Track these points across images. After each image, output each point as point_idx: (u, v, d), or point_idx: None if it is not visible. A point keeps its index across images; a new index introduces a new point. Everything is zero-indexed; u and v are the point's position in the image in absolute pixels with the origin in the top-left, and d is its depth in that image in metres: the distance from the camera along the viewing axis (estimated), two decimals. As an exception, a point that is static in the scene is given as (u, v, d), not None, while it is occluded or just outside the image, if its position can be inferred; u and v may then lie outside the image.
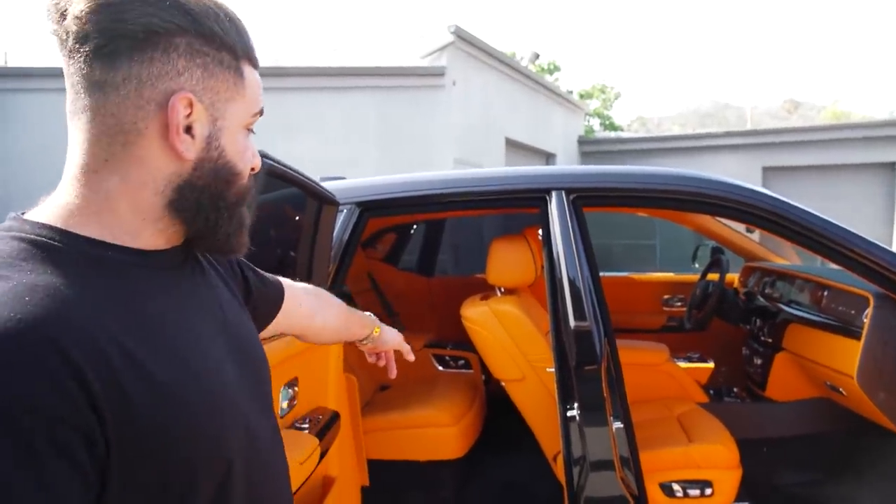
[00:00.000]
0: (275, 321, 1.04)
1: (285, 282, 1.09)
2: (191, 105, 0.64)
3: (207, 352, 0.69)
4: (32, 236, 0.60)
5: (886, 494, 2.32)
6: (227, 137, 0.68)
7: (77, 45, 0.60)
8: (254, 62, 0.72)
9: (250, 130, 0.73)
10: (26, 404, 0.50)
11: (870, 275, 1.79)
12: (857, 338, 1.97)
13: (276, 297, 1.04)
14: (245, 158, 0.72)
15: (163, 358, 0.61)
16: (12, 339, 0.51)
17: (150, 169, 0.64)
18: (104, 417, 0.54)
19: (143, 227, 0.66)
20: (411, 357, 1.36)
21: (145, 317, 0.63)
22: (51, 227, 0.61)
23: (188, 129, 0.65)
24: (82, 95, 0.62)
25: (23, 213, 0.63)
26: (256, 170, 0.75)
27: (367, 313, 1.31)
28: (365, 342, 1.29)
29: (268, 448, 0.77)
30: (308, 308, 1.14)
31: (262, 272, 1.02)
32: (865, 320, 1.95)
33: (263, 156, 1.36)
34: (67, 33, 0.60)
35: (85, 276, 0.59)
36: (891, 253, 1.76)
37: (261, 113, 0.73)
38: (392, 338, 1.32)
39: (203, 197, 0.68)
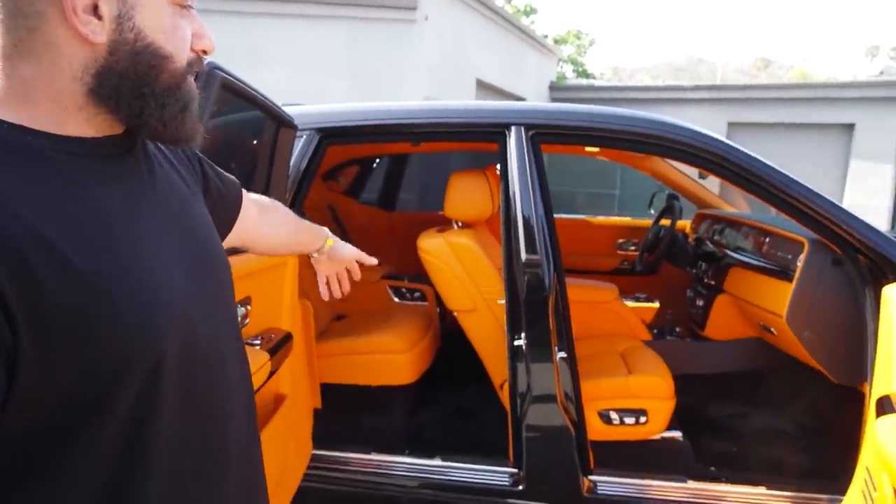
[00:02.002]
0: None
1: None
2: None
3: (144, 243, 0.67)
4: None
5: (805, 425, 2.50)
6: (146, 16, 0.64)
7: None
8: None
9: (184, 7, 0.68)
10: None
11: (806, 220, 1.87)
12: (791, 281, 2.08)
13: (235, 199, 1.01)
14: (175, 39, 0.67)
15: (86, 247, 0.59)
16: None
17: (62, 54, 0.62)
18: (9, 305, 0.52)
19: (67, 116, 0.64)
20: (372, 262, 1.36)
21: (70, 205, 0.60)
22: None
23: (95, 10, 0.61)
24: None
25: None
26: (209, 52, 0.72)
27: (321, 227, 1.30)
28: (317, 255, 1.27)
29: (219, 347, 0.76)
30: (256, 214, 1.10)
31: (220, 170, 0.99)
32: (799, 264, 2.05)
33: (217, 68, 1.35)
34: None
35: (9, 161, 0.58)
36: (828, 201, 1.84)
37: None
38: (349, 252, 1.31)
39: (123, 83, 0.64)
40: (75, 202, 0.61)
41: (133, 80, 0.65)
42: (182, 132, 0.70)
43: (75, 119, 0.65)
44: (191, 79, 0.71)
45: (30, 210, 0.56)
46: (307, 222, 1.27)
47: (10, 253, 0.53)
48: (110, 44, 0.63)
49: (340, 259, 1.31)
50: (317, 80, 7.53)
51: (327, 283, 1.33)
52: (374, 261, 1.34)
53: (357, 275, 1.36)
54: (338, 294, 1.33)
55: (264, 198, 1.17)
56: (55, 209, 0.59)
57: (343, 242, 1.33)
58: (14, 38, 0.61)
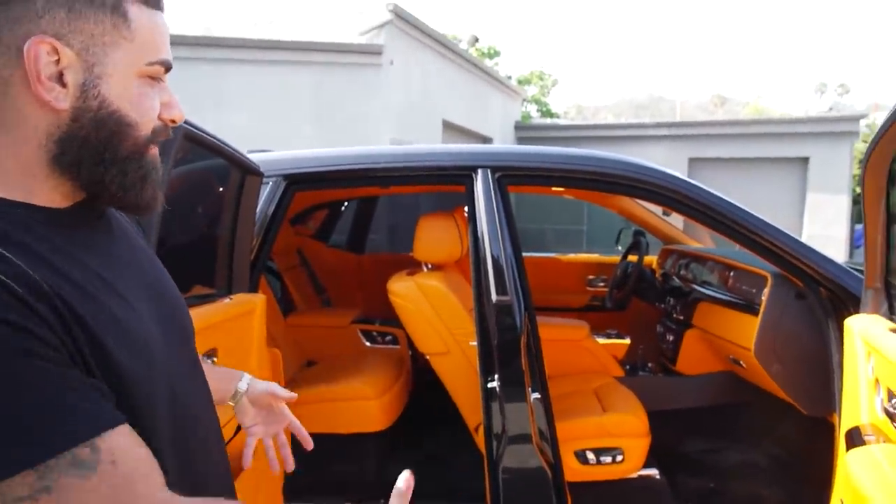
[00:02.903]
0: None
1: None
2: (55, 51, 0.60)
3: (126, 303, 0.67)
4: None
5: (778, 458, 2.51)
6: (112, 85, 0.64)
7: None
8: (150, 2, 0.67)
9: (156, 80, 0.69)
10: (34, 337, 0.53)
11: (768, 255, 1.91)
12: (757, 314, 2.12)
13: None
14: (142, 108, 0.67)
15: (96, 311, 0.61)
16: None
17: (27, 121, 0.62)
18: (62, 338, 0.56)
19: (35, 184, 0.64)
20: (290, 396, 1.07)
21: (71, 273, 0.61)
22: None
23: (60, 77, 0.61)
24: None
25: None
26: (178, 122, 0.72)
27: (236, 371, 1.08)
28: (235, 403, 1.05)
29: (198, 404, 0.77)
30: None
31: None
32: (764, 298, 2.09)
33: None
34: None
35: (4, 233, 0.58)
36: (788, 236, 1.89)
37: (163, 63, 0.68)
38: (263, 386, 1.06)
39: (84, 149, 0.64)
40: (68, 268, 0.62)
41: (94, 147, 0.65)
42: (142, 200, 0.70)
43: (43, 188, 0.65)
44: (154, 148, 0.71)
45: (42, 273, 0.57)
46: (219, 369, 1.10)
47: (52, 310, 0.56)
48: (73, 111, 0.63)
49: (261, 394, 1.06)
50: (283, 124, 7.56)
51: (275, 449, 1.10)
52: (293, 395, 1.08)
53: (288, 396, 1.08)
54: (290, 466, 1.11)
55: None
56: (64, 280, 0.59)
57: (255, 379, 1.08)
58: None
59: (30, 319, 0.53)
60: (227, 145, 1.65)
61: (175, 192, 1.50)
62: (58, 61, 0.61)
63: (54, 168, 0.64)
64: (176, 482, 0.68)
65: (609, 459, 2.18)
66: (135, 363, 0.63)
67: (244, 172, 1.84)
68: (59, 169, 0.64)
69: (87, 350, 0.58)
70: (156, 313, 0.72)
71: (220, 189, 1.88)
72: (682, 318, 2.89)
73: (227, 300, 1.75)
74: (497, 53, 19.58)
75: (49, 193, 0.65)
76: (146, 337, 0.68)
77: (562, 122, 16.50)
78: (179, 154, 1.38)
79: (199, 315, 1.49)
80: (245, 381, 1.06)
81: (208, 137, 1.51)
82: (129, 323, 0.65)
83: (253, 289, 1.98)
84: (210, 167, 1.83)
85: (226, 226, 1.87)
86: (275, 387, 1.08)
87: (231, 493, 0.85)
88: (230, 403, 1.05)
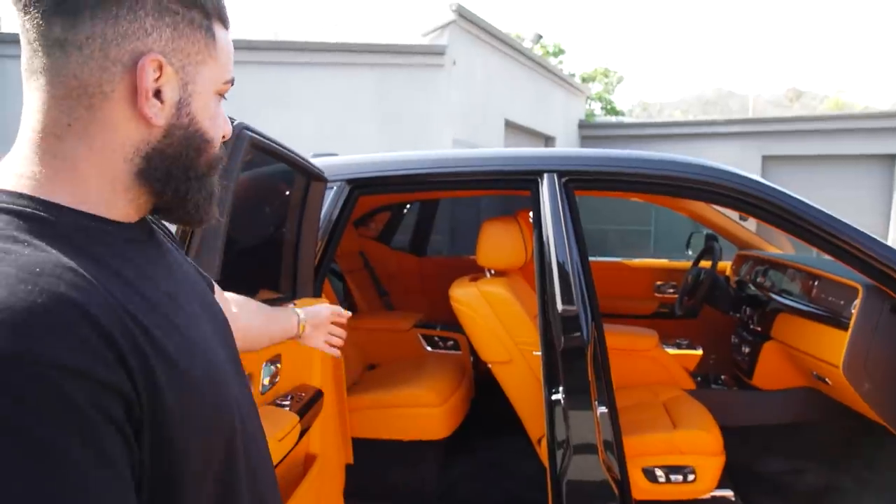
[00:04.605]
0: None
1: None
2: (160, 68, 0.61)
3: (199, 327, 0.67)
4: (13, 206, 0.56)
5: (867, 483, 2.34)
6: (199, 103, 0.66)
7: (33, 0, 0.57)
8: (225, 22, 0.68)
9: (222, 97, 0.70)
10: (68, 369, 0.47)
11: (860, 266, 1.77)
12: (845, 328, 1.97)
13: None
14: (217, 125, 0.69)
15: (168, 332, 0.59)
16: (39, 309, 0.48)
17: (117, 135, 0.61)
18: (137, 387, 0.52)
19: (115, 197, 0.63)
20: (345, 315, 1.42)
21: (139, 287, 0.60)
22: (30, 198, 0.57)
23: (157, 94, 0.62)
24: (40, 55, 0.59)
25: None
26: (227, 137, 0.73)
27: (287, 307, 1.32)
28: (301, 334, 1.30)
29: (252, 420, 0.76)
30: (232, 309, 1.08)
31: None
32: (854, 311, 1.94)
33: (246, 128, 1.34)
34: None
35: (80, 247, 0.57)
36: (881, 244, 1.75)
37: (232, 82, 0.70)
38: (326, 311, 1.37)
39: (174, 166, 0.65)
40: (146, 286, 0.61)
41: (183, 164, 0.66)
42: (208, 214, 0.71)
43: (122, 200, 0.64)
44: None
45: (118, 293, 0.55)
46: (277, 308, 1.29)
47: (125, 331, 0.53)
48: (167, 127, 0.63)
49: (322, 322, 1.36)
50: (346, 126, 7.66)
51: (332, 345, 1.40)
52: (347, 313, 1.44)
53: (343, 323, 1.43)
54: (341, 344, 1.41)
55: (235, 294, 1.16)
56: (134, 293, 0.58)
57: (316, 306, 1.39)
58: (69, 118, 0.60)
59: (114, 372, 0.50)
60: (291, 152, 1.65)
61: (242, 197, 1.51)
62: (158, 78, 0.61)
63: (136, 182, 0.64)
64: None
65: (680, 478, 2.08)
66: (204, 374, 0.61)
67: (309, 178, 1.84)
68: (141, 183, 0.64)
69: (160, 374, 0.55)
70: (213, 327, 0.71)
71: (286, 193, 1.89)
72: (759, 329, 2.74)
73: (291, 306, 1.76)
74: (562, 51, 19.33)
75: (126, 207, 0.64)
76: (211, 349, 0.66)
77: (627, 120, 16.11)
78: (245, 158, 1.39)
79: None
80: (302, 313, 1.30)
81: (273, 145, 1.52)
82: (194, 338, 0.63)
83: (317, 293, 1.98)
84: (277, 171, 1.85)
85: (291, 230, 1.88)
86: (338, 310, 1.39)
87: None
88: (298, 338, 1.30)
